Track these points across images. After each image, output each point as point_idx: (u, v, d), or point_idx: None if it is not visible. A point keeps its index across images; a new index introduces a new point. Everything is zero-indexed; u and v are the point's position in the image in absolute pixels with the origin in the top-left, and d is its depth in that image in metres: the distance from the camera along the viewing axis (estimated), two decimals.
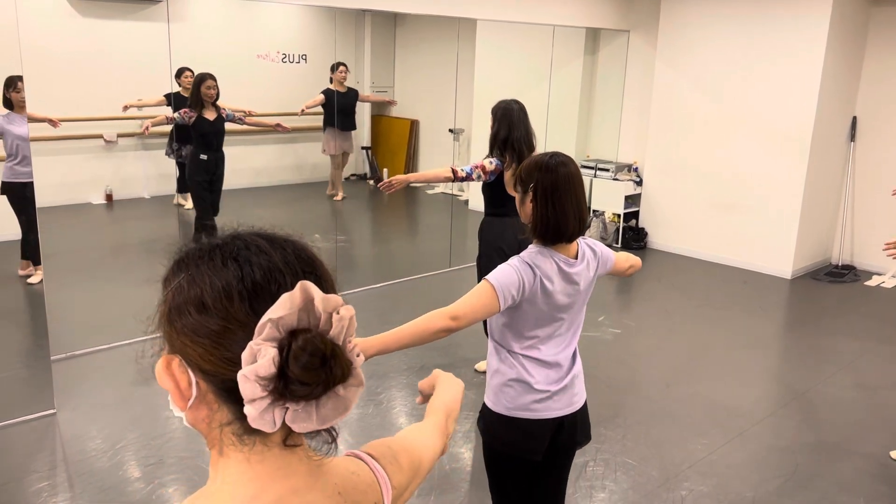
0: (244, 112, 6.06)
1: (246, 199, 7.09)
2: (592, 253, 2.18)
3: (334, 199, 8.05)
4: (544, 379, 2.10)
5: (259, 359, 0.72)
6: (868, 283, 6.49)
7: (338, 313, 0.76)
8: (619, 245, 7.43)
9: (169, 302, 0.80)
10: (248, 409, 0.73)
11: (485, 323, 2.66)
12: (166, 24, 5.36)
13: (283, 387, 0.73)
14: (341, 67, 7.57)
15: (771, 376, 4.63)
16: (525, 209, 2.09)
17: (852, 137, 6.75)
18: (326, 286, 0.80)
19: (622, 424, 3.86)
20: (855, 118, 6.72)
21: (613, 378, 4.43)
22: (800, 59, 6.23)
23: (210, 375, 0.77)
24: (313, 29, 8.31)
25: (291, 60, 7.96)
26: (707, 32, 6.73)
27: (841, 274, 6.65)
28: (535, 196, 2.03)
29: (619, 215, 7.42)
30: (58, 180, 6.82)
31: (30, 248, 5.03)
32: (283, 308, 0.73)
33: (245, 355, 0.73)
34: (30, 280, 5.24)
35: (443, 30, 8.06)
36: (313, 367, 0.72)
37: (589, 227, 7.46)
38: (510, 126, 3.85)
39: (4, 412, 3.72)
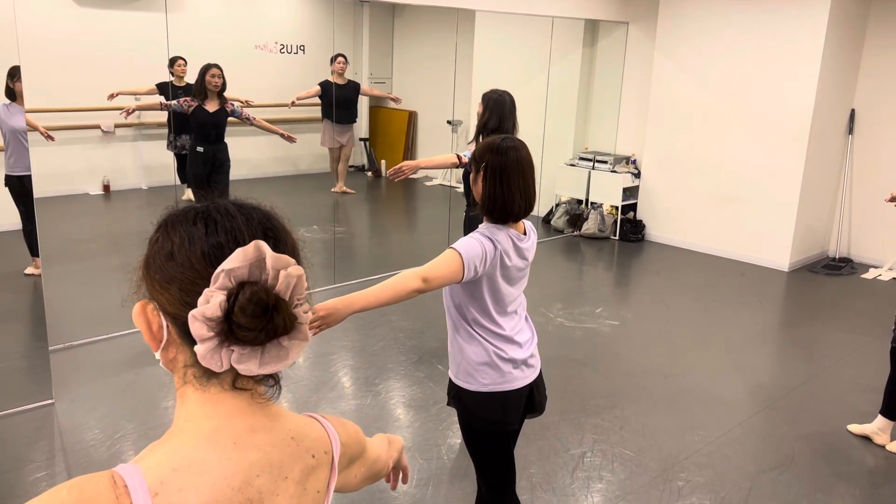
0: (242, 103, 6.01)
1: (244, 191, 7.07)
2: (534, 231, 2.34)
3: (333, 190, 8.04)
4: (511, 351, 2.23)
5: (210, 302, 0.82)
6: (865, 275, 6.50)
7: (286, 270, 0.85)
8: (616, 237, 7.44)
9: (147, 253, 0.90)
10: (198, 349, 0.83)
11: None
12: (164, 13, 5.33)
13: (229, 330, 0.82)
14: (339, 59, 7.53)
15: (768, 368, 4.64)
16: (477, 187, 2.22)
17: (850, 130, 6.75)
18: (285, 249, 0.90)
19: (619, 416, 3.87)
20: (853, 111, 6.72)
21: (610, 369, 4.45)
22: (798, 52, 6.22)
23: (174, 318, 0.87)
24: (311, 20, 8.28)
25: (289, 51, 7.94)
26: (706, 24, 6.72)
27: (838, 266, 6.66)
28: (486, 175, 2.17)
29: (616, 207, 7.43)
30: (55, 171, 6.80)
31: (28, 240, 5.02)
32: (236, 260, 0.83)
33: (200, 300, 0.82)
34: (27, 271, 5.24)
35: (441, 21, 8.04)
36: (256, 315, 0.82)
37: (588, 218, 7.47)
38: (500, 117, 3.89)
39: (3, 402, 3.73)
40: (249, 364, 0.85)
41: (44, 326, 4.03)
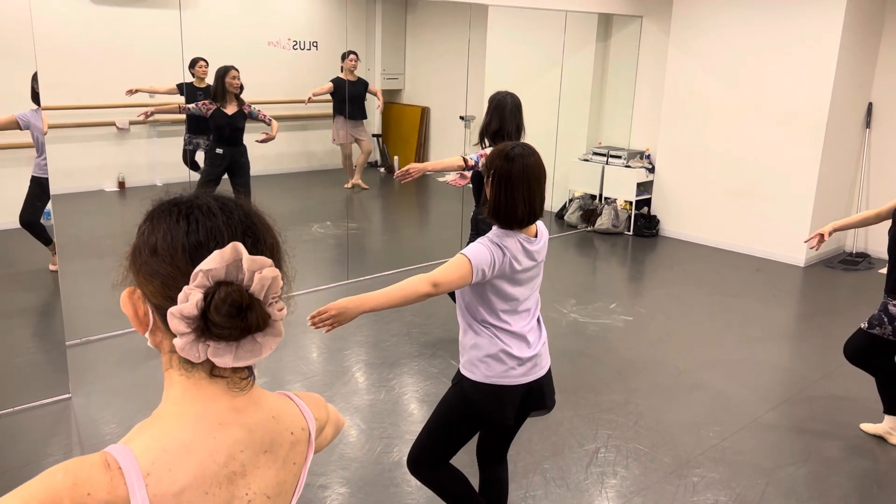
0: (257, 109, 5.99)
1: (257, 187, 7.12)
2: (545, 232, 2.39)
3: (346, 186, 8.06)
4: (518, 348, 2.29)
5: (188, 301, 0.86)
6: (882, 270, 6.43)
7: (261, 272, 0.89)
8: (630, 233, 7.40)
9: (134, 243, 0.96)
10: (176, 342, 0.89)
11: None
12: (178, 11, 5.35)
13: (205, 327, 0.88)
14: (351, 56, 7.55)
15: (784, 364, 4.61)
16: (486, 191, 2.29)
17: (868, 124, 6.68)
18: (263, 249, 0.94)
19: (634, 411, 3.86)
20: (871, 104, 6.64)
21: (625, 365, 4.43)
22: (815, 45, 6.16)
23: (157, 308, 0.93)
24: (324, 16, 8.29)
25: (302, 47, 7.95)
26: (721, 17, 6.67)
27: (855, 262, 6.60)
28: (493, 181, 2.23)
29: (630, 203, 7.39)
30: (71, 168, 6.85)
31: (34, 230, 5.02)
32: (214, 262, 0.87)
33: (180, 297, 0.87)
34: (52, 267, 5.26)
35: (454, 16, 8.02)
36: (231, 315, 0.87)
37: (602, 213, 7.43)
38: (501, 120, 3.92)
39: (20, 396, 3.77)
40: (225, 357, 0.90)
41: (60, 321, 4.06)
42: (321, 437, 1.18)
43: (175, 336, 0.89)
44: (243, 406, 0.98)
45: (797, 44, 6.25)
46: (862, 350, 3.51)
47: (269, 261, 0.91)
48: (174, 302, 0.88)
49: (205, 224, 0.92)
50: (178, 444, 0.91)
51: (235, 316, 0.87)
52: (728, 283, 6.04)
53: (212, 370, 0.94)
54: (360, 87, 7.75)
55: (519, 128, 3.96)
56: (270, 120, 5.88)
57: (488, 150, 3.91)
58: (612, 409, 3.88)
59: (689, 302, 5.56)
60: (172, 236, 0.91)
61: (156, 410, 0.96)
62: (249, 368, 0.98)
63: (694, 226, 7.18)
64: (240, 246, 0.89)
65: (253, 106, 5.75)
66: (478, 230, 4.13)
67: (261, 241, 0.95)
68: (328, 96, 7.55)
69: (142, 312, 0.95)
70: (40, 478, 0.83)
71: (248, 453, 0.97)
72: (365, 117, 7.94)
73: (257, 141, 5.94)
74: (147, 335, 0.97)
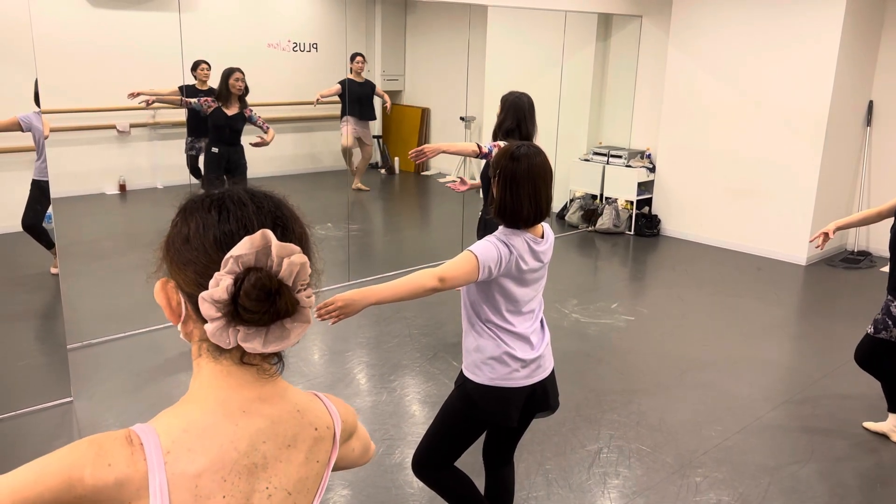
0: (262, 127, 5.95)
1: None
2: (551, 233, 2.40)
3: (351, 187, 8.06)
4: (521, 350, 2.30)
5: (219, 286, 0.88)
6: (884, 269, 6.42)
7: (290, 258, 0.90)
8: (631, 232, 7.39)
9: (168, 234, 0.97)
10: (207, 327, 0.90)
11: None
12: (177, 13, 5.36)
13: (235, 311, 0.88)
14: (358, 58, 7.59)
15: (786, 363, 4.60)
16: (493, 191, 2.30)
17: (868, 122, 6.67)
18: (292, 237, 0.95)
19: (636, 411, 3.85)
20: (871, 102, 6.64)
21: (627, 365, 4.43)
22: (815, 43, 6.15)
23: (190, 296, 0.94)
24: (324, 17, 8.29)
25: (302, 49, 7.95)
26: (720, 17, 6.66)
27: (856, 260, 6.59)
28: (499, 181, 2.25)
29: (631, 202, 7.38)
30: (72, 171, 6.85)
31: (35, 233, 5.02)
32: (244, 248, 0.89)
33: (211, 283, 0.89)
34: (53, 271, 5.26)
35: (454, 17, 8.02)
36: (260, 300, 0.88)
37: (603, 213, 7.43)
38: (518, 119, 3.91)
39: (22, 400, 3.77)
40: (254, 343, 0.91)
41: (62, 325, 4.06)
42: (347, 447, 1.17)
43: (206, 323, 0.90)
44: (268, 396, 0.99)
45: (797, 43, 6.25)
46: (871, 355, 3.52)
47: (298, 248, 0.92)
48: (205, 289, 0.89)
49: (235, 213, 0.93)
50: (199, 426, 0.93)
51: (265, 300, 0.88)
52: (729, 282, 6.04)
53: (242, 357, 0.95)
54: (368, 88, 7.77)
55: (534, 127, 3.97)
56: (268, 128, 5.86)
57: (502, 144, 3.90)
58: (614, 409, 3.87)
59: (690, 301, 5.56)
60: (205, 225, 0.93)
61: (183, 396, 0.98)
62: (278, 356, 1.00)
63: (695, 225, 7.18)
64: (269, 233, 0.90)
65: (254, 111, 5.74)
66: (485, 230, 4.13)
67: (290, 230, 0.96)
68: (335, 97, 7.57)
69: (174, 303, 0.97)
70: (67, 447, 0.87)
71: (271, 445, 0.97)
72: (373, 118, 7.96)
73: (252, 144, 5.93)
74: (179, 326, 0.98)
